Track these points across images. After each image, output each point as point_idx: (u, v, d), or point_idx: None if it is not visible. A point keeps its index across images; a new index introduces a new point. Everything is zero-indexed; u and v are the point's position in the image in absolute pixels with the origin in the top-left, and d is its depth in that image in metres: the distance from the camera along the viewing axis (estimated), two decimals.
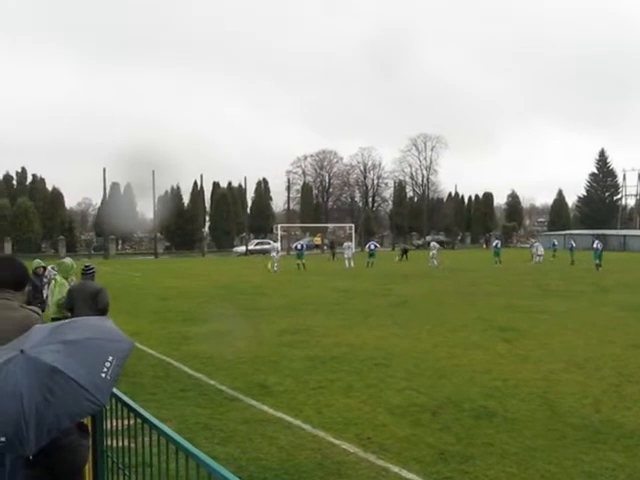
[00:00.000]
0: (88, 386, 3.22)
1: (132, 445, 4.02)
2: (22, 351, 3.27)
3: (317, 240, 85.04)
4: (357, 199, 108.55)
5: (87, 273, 11.29)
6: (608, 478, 6.69)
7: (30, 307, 4.77)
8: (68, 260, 12.53)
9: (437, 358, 12.92)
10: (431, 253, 46.46)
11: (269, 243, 68.67)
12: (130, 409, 3.90)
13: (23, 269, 4.72)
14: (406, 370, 11.80)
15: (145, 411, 3.81)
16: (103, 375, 3.32)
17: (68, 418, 3.28)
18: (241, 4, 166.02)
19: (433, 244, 49.49)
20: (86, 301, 10.62)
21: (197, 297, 25.49)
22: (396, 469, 6.96)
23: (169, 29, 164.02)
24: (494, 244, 51.60)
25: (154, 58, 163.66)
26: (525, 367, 12.01)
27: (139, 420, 3.83)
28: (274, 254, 42.97)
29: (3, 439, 3.01)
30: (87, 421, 4.02)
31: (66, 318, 9.64)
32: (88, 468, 4.18)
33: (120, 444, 4.18)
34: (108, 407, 3.96)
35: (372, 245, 48.80)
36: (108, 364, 3.36)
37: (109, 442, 4.32)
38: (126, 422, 4.04)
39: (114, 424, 4.19)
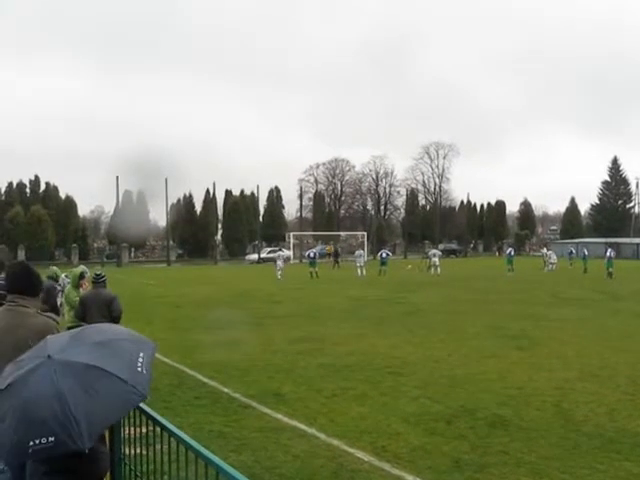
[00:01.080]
0: (129, 380, 3.33)
1: (150, 453, 4.05)
2: (49, 356, 3.34)
3: (329, 249, 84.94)
4: (369, 207, 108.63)
5: (98, 281, 11.27)
6: None
7: (47, 314, 4.81)
8: (77, 268, 12.60)
9: (451, 366, 12.90)
10: (432, 261, 46.37)
11: (282, 251, 68.62)
12: (148, 417, 3.93)
13: (37, 275, 4.78)
14: (420, 378, 11.79)
15: (163, 418, 3.84)
16: (139, 369, 3.44)
17: (116, 411, 3.42)
18: (255, 13, 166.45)
19: (433, 252, 49.37)
20: (100, 309, 10.63)
21: (210, 305, 25.52)
22: (411, 478, 6.96)
23: (183, 38, 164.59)
24: (507, 252, 51.42)
25: (166, 66, 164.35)
26: (539, 375, 11.97)
27: (156, 427, 3.86)
28: (279, 262, 42.98)
29: (52, 439, 3.07)
30: None
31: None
32: (106, 476, 4.21)
33: (137, 451, 4.21)
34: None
35: (384, 253, 48.66)
36: (141, 359, 3.50)
37: (126, 450, 4.35)
38: (143, 430, 4.06)
39: (130, 432, 4.22)
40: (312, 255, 45.85)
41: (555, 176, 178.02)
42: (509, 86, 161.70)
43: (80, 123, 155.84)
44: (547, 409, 9.69)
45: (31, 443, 3.07)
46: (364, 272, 43.94)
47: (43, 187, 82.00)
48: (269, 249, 79.04)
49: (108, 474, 4.25)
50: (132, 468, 4.18)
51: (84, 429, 3.08)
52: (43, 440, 3.06)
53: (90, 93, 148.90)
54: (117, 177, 71.29)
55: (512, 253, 49.68)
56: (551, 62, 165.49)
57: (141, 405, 3.99)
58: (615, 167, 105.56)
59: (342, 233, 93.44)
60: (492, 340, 16.06)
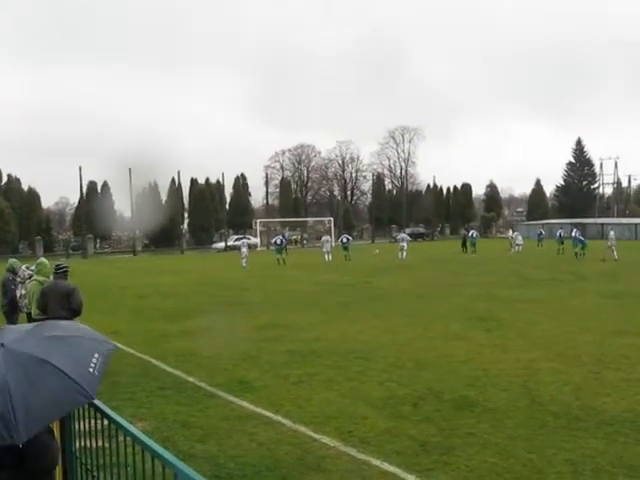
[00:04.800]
0: (77, 378, 3.27)
1: (106, 445, 3.92)
2: (2, 344, 3.30)
3: (296, 238, 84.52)
4: (336, 193, 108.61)
5: (58, 272, 10.93)
6: (589, 465, 6.68)
7: None
8: (45, 260, 12.31)
9: (417, 349, 12.89)
10: (400, 245, 46.40)
11: (249, 238, 68.17)
12: (97, 409, 3.80)
13: None
14: (386, 362, 11.76)
15: (113, 411, 3.72)
16: (91, 370, 3.40)
17: (58, 409, 3.34)
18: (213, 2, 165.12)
19: (402, 236, 49.36)
20: (59, 301, 10.34)
21: (176, 294, 25.30)
22: (377, 462, 6.91)
23: (143, 27, 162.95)
24: (470, 234, 52.83)
25: (130, 55, 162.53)
26: (505, 356, 12.00)
27: (104, 420, 3.75)
28: (244, 249, 42.58)
29: None
30: (55, 423, 3.92)
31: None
32: (58, 470, 4.08)
33: (89, 445, 4.08)
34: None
35: (344, 238, 48.77)
36: (95, 360, 3.46)
37: (80, 443, 4.22)
38: (93, 423, 3.94)
39: (82, 425, 4.09)
40: (279, 242, 45.64)
41: (520, 158, 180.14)
42: (473, 70, 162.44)
43: (43, 114, 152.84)
44: (513, 389, 9.70)
45: None
46: (331, 257, 43.84)
47: (5, 179, 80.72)
48: (236, 237, 78.45)
49: (60, 469, 4.12)
50: (83, 462, 4.05)
51: (21, 423, 3.00)
52: None
53: (52, 83, 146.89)
54: (80, 168, 70.39)
55: (474, 235, 51.40)
56: (513, 46, 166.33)
57: None
58: (579, 148, 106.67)
59: (309, 219, 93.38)
60: (459, 322, 16.09)
